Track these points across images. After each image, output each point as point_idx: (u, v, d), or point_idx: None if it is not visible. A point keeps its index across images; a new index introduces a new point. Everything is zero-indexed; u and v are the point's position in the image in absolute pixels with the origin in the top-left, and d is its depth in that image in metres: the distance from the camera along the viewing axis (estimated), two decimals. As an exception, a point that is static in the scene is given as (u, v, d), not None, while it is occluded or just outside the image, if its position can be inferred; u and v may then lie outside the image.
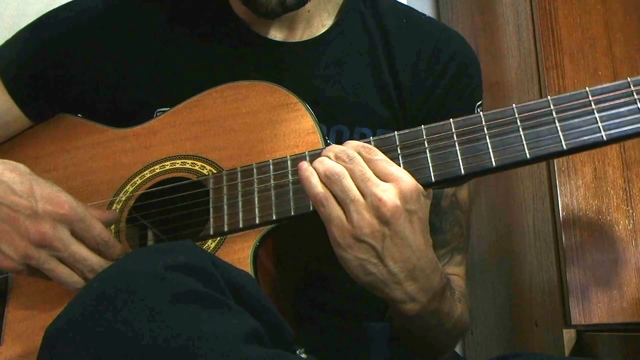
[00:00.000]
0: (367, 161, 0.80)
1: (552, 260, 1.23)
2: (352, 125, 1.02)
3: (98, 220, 0.89)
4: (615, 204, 1.19)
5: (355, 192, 0.78)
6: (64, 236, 0.86)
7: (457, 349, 1.83)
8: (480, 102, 1.07)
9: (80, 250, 0.87)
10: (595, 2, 1.28)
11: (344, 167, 0.79)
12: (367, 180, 0.78)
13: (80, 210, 0.87)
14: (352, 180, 0.79)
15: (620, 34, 1.27)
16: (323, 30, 1.05)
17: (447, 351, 1.02)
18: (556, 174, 1.20)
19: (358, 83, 1.03)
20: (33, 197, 0.86)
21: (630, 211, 1.19)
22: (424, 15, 1.13)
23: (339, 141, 1.00)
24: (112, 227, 0.94)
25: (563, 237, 1.19)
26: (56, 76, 1.03)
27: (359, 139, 0.98)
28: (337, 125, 1.01)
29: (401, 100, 1.03)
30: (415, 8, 1.15)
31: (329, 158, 0.81)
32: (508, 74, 1.44)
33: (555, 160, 1.20)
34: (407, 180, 0.79)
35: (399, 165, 0.83)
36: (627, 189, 1.20)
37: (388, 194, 0.77)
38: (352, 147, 0.82)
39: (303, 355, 0.74)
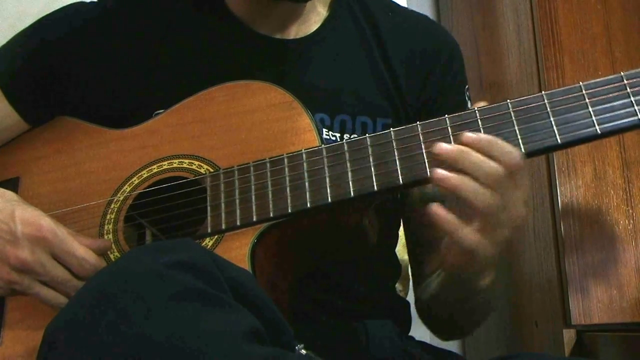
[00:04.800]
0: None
1: (552, 260, 1.23)
2: (354, 115, 1.02)
3: (81, 245, 0.88)
4: (615, 204, 1.19)
5: (483, 158, 0.80)
6: (44, 260, 0.87)
7: (458, 349, 1.82)
8: (467, 86, 1.11)
9: (62, 273, 0.87)
10: (595, 2, 1.28)
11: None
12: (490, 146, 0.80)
13: (60, 233, 0.87)
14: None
15: (620, 34, 1.27)
16: (316, 27, 1.06)
17: (472, 330, 1.08)
18: (556, 174, 1.20)
19: (355, 75, 1.04)
20: (13, 221, 0.87)
21: (630, 211, 1.19)
22: (406, 8, 1.17)
23: (344, 130, 1.01)
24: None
25: (563, 237, 1.18)
26: (54, 79, 1.03)
27: (360, 128, 1.01)
28: (340, 115, 1.02)
29: (398, 90, 1.05)
30: (415, 8, 1.17)
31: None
32: (508, 74, 1.44)
33: (555, 160, 1.20)
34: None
35: (395, 162, 0.84)
36: (627, 189, 1.20)
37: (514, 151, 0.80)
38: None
39: (303, 351, 0.74)
